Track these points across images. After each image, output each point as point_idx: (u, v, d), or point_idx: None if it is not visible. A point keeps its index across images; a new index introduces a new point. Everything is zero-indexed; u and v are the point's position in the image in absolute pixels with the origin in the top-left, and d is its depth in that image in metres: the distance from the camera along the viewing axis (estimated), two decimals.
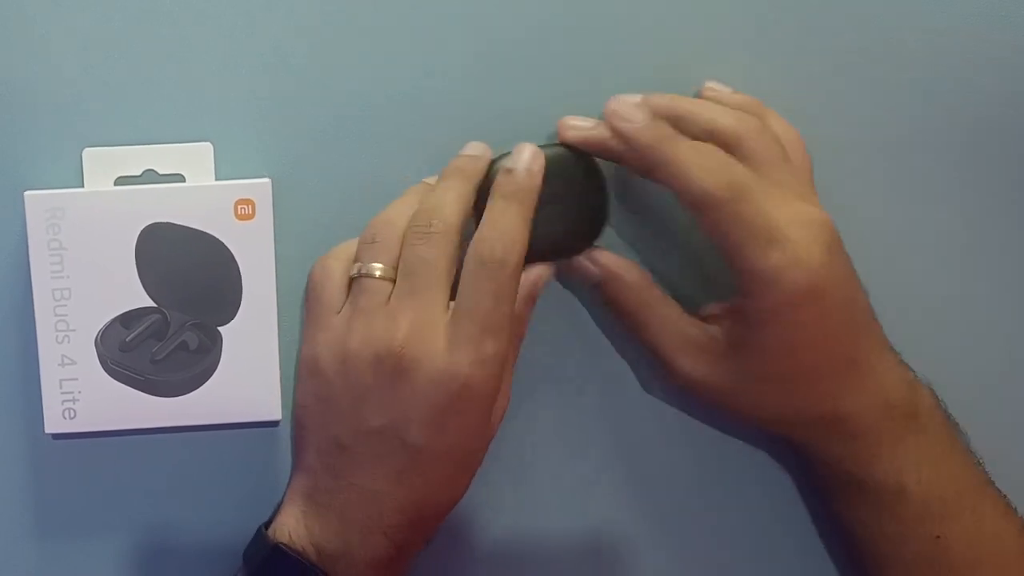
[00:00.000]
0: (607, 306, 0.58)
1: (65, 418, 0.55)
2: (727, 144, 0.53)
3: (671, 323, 0.56)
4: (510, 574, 0.61)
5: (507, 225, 0.52)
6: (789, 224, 0.52)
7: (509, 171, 0.53)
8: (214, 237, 0.55)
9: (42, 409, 0.55)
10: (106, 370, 0.55)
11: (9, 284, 0.56)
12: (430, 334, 0.51)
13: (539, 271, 0.55)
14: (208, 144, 0.56)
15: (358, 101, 0.57)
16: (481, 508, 0.60)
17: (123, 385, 0.55)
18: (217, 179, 0.56)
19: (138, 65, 0.55)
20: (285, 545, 0.53)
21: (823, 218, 0.53)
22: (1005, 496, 0.56)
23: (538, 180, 0.53)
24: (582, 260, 0.56)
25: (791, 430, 0.57)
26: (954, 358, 0.61)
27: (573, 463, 0.61)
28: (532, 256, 0.53)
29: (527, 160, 0.53)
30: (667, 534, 0.62)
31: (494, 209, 0.52)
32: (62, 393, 0.55)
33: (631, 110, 0.53)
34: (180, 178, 0.56)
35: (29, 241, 0.54)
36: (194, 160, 0.56)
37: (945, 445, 0.55)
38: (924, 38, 0.59)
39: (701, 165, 0.52)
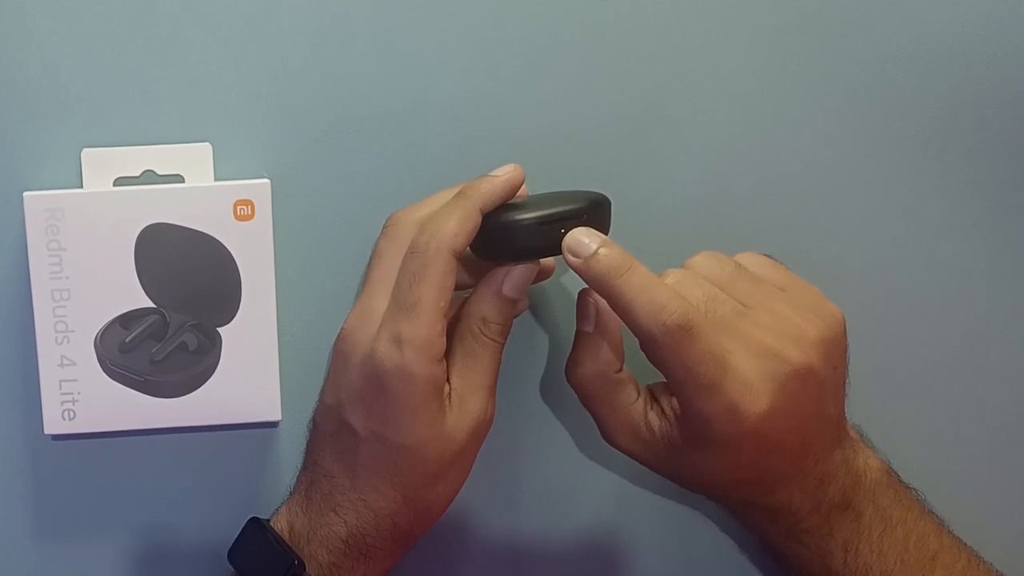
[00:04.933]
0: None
1: (64, 419, 0.55)
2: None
3: (621, 410, 0.55)
4: (508, 574, 0.61)
5: (442, 214, 0.52)
6: (742, 366, 0.51)
7: (485, 175, 0.53)
8: (213, 238, 0.55)
9: (41, 410, 0.55)
10: (105, 371, 0.55)
11: (8, 285, 0.56)
12: (369, 321, 0.53)
13: (511, 267, 0.53)
14: (207, 144, 0.56)
15: (358, 101, 0.57)
16: (479, 508, 0.60)
17: (122, 386, 0.55)
18: (216, 180, 0.56)
19: (137, 65, 0.55)
20: (264, 522, 0.55)
21: (784, 352, 0.51)
22: (971, 558, 0.56)
23: (499, 187, 0.52)
24: (586, 301, 0.54)
25: (718, 501, 0.59)
26: (953, 358, 0.61)
27: (571, 463, 0.61)
28: (521, 254, 0.53)
29: (501, 169, 0.53)
30: (666, 534, 0.62)
31: (446, 202, 0.53)
32: (61, 394, 0.55)
33: (579, 243, 0.51)
34: (179, 179, 0.56)
35: (28, 242, 0.54)
36: (193, 160, 0.56)
37: (885, 524, 0.55)
38: (925, 38, 0.59)
39: (651, 300, 0.50)
